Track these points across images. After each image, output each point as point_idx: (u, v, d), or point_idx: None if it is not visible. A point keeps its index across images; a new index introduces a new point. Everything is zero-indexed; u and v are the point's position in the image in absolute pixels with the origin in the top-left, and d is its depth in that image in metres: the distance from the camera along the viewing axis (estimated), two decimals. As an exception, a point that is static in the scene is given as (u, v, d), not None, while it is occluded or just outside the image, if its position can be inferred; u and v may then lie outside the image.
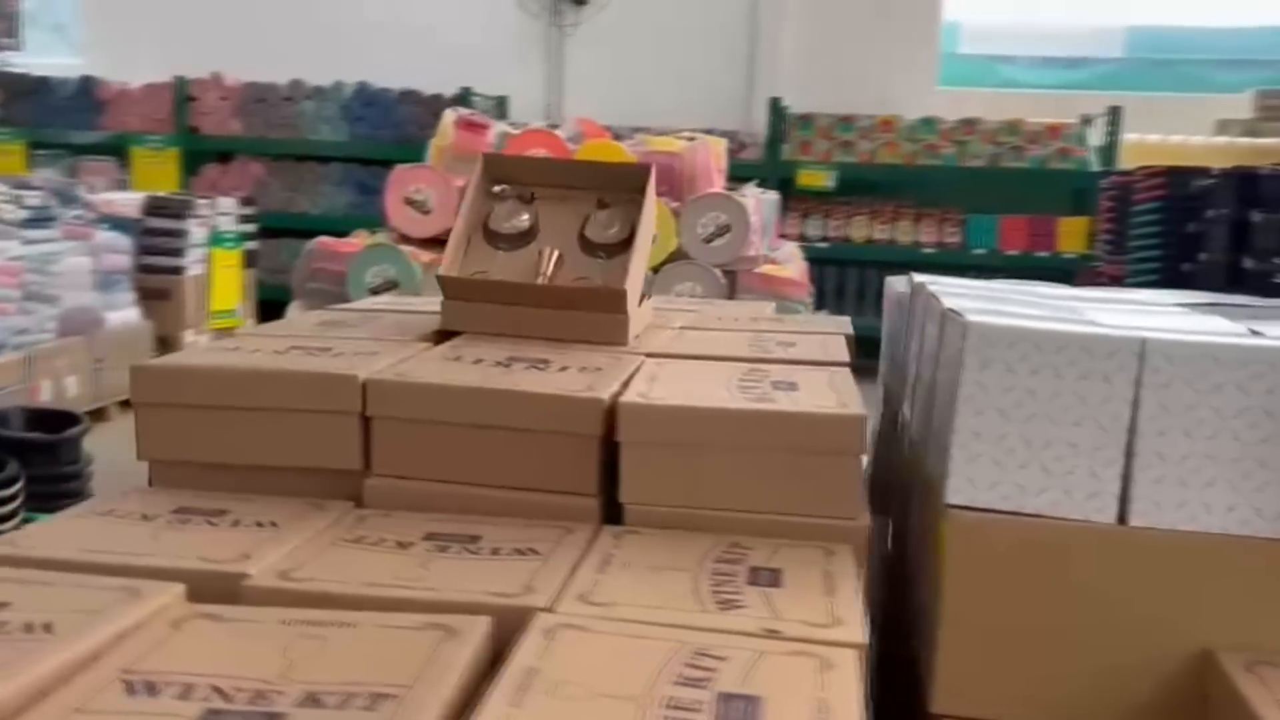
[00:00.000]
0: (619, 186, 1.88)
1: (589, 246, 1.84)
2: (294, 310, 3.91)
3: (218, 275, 6.26)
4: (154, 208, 5.98)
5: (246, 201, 6.72)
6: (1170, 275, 4.31)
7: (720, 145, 4.44)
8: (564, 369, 1.53)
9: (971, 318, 1.32)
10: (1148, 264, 4.51)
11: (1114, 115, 6.68)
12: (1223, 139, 6.79)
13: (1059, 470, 1.30)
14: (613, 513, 1.38)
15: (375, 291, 3.79)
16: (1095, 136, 6.87)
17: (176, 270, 5.96)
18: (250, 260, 6.76)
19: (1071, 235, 6.75)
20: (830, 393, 1.44)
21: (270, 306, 7.08)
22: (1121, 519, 1.29)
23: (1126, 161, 6.49)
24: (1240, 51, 7.59)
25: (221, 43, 7.83)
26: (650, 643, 1.00)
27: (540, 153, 4.08)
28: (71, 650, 0.94)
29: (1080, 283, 3.79)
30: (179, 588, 1.08)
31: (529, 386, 1.42)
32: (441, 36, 7.80)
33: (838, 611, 1.10)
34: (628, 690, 0.91)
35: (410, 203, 3.97)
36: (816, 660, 0.98)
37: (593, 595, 1.11)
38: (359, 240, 4.07)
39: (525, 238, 1.86)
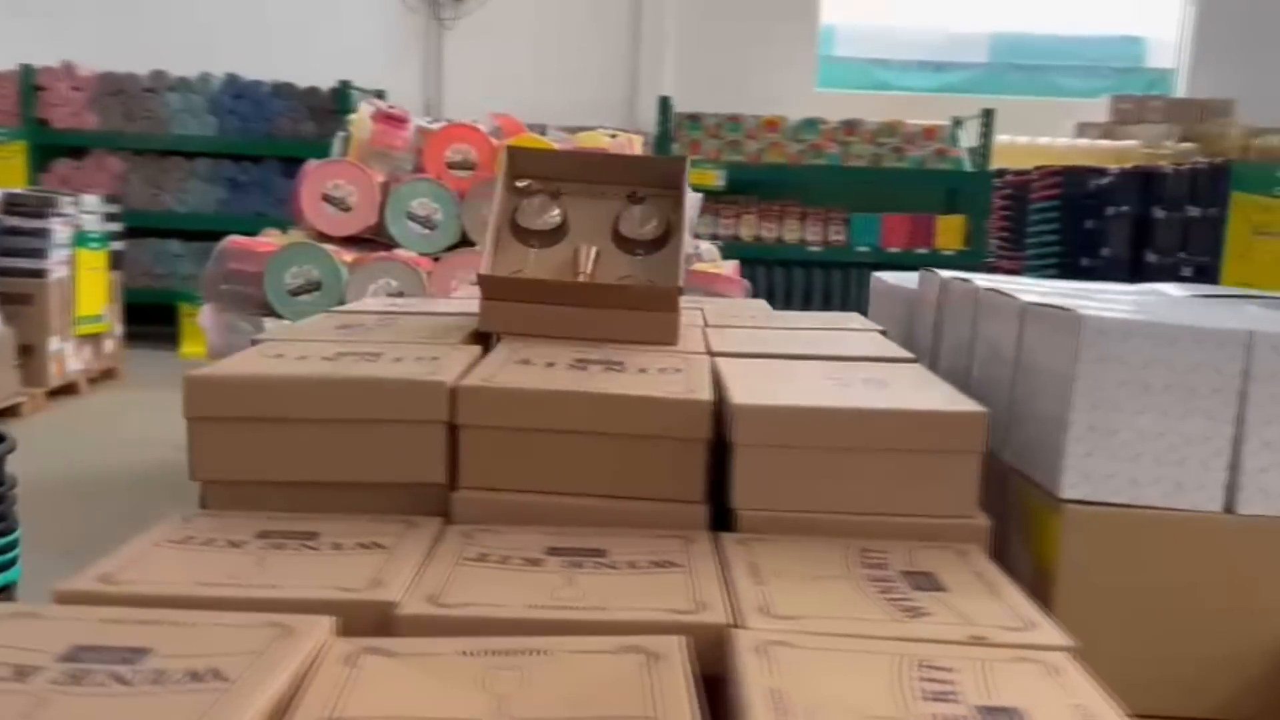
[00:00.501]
0: (649, 181, 1.82)
1: (625, 243, 1.77)
2: (207, 315, 3.67)
3: (83, 278, 5.85)
4: (11, 205, 5.53)
5: (110, 199, 6.30)
6: (1069, 269, 4.50)
7: (638, 142, 4.41)
8: (642, 370, 1.46)
9: (1084, 313, 1.32)
10: (1046, 259, 4.69)
11: (987, 118, 6.95)
12: (1084, 141, 7.16)
13: (1170, 460, 1.31)
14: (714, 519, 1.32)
15: (296, 293, 3.61)
16: (967, 138, 7.13)
17: (39, 273, 5.53)
18: (116, 262, 6.34)
19: (949, 233, 6.98)
20: (929, 389, 1.42)
21: (138, 311, 6.68)
22: (1229, 508, 1.32)
23: (997, 162, 6.78)
24: (1094, 59, 8.02)
25: (73, 30, 7.34)
26: (869, 657, 0.95)
27: (465, 147, 3.96)
28: (262, 698, 0.83)
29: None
30: (327, 620, 0.98)
31: (627, 390, 1.35)
32: (315, 28, 7.52)
33: (1020, 613, 1.08)
34: (883, 709, 0.86)
35: (329, 199, 3.79)
36: (1040, 666, 0.96)
37: (774, 609, 1.05)
38: (273, 239, 3.85)
39: (557, 234, 1.78)
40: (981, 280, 1.75)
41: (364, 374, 1.35)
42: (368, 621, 1.01)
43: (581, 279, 1.70)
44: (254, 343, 1.58)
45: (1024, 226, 4.87)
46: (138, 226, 6.93)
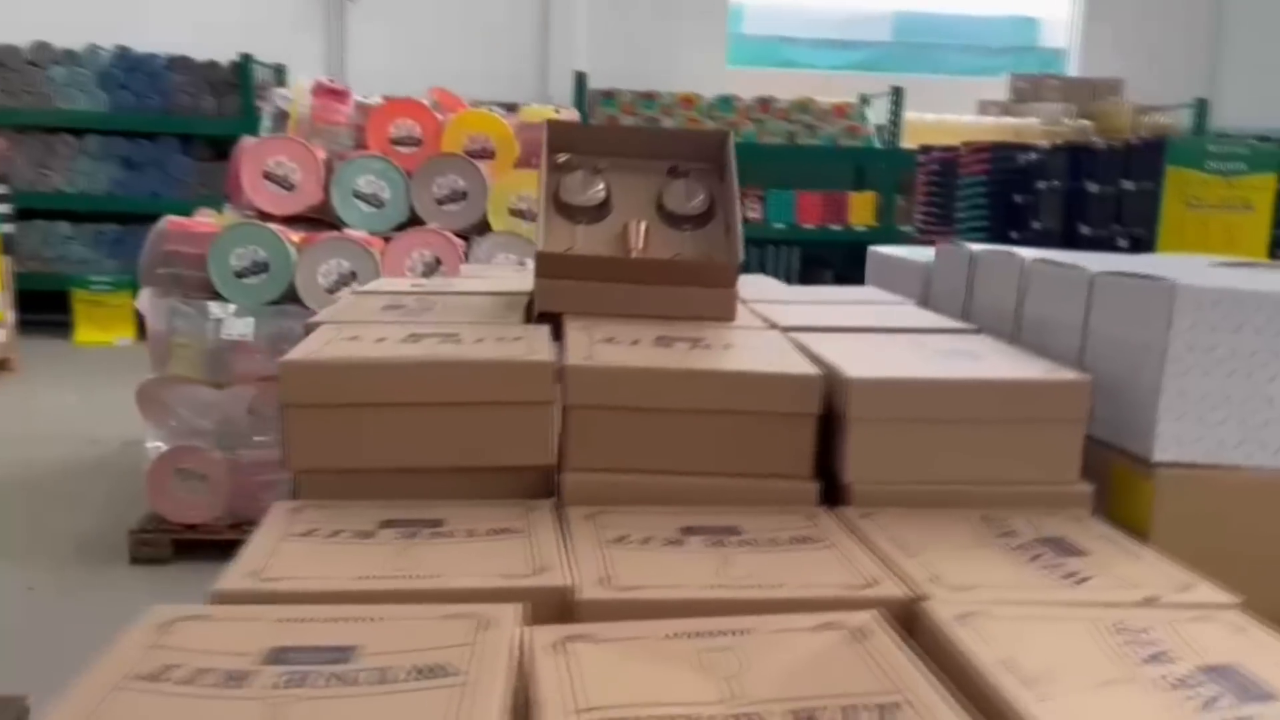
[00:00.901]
0: (689, 155, 1.80)
1: (671, 218, 1.75)
2: (145, 299, 3.49)
3: (-29, 263, 5.52)
4: (-107, 185, 5.17)
5: (-1, 179, 5.95)
6: (1000, 243, 4.63)
7: (574, 117, 4.37)
8: (728, 347, 1.45)
9: (1180, 281, 1.35)
10: (976, 234, 4.82)
11: (896, 96, 7.10)
12: (988, 119, 7.38)
13: (1255, 423, 1.36)
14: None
15: (241, 275, 3.46)
16: (875, 115, 7.28)
17: (-74, 258, 5.20)
18: (5, 246, 6.00)
19: (861, 209, 7.12)
20: (1020, 360, 1.44)
21: (32, 298, 6.31)
22: (1316, 468, 1.37)
23: (907, 140, 6.94)
24: (992, 38, 8.26)
25: (-55, -3, 6.87)
26: (1066, 623, 0.96)
27: (409, 122, 3.86)
28: (501, 691, 0.80)
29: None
30: (512, 609, 0.94)
31: (736, 366, 1.34)
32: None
33: (1172, 574, 1.10)
34: (1112, 673, 0.87)
35: (270, 178, 3.64)
36: (1224, 624, 0.98)
37: (945, 579, 1.05)
38: (211, 220, 3.68)
39: (602, 210, 1.74)
40: (1026, 253, 1.78)
41: (468, 355, 1.30)
42: (547, 608, 0.98)
43: (634, 255, 1.67)
44: (307, 329, 1.50)
45: (952, 202, 4.99)
46: (25, 208, 6.55)
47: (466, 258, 3.56)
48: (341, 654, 0.84)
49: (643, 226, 1.71)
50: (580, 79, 7.00)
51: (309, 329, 1.51)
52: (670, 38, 7.75)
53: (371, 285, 1.97)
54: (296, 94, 3.90)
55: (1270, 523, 1.36)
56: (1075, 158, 4.26)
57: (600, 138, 1.82)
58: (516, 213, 3.67)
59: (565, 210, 1.74)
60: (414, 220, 3.72)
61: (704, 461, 1.31)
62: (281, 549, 1.08)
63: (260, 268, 3.46)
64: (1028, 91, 7.62)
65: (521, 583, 1.01)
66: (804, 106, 7.17)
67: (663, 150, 1.80)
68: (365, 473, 1.27)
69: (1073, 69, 8.09)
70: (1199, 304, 1.34)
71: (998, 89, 7.77)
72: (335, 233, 3.55)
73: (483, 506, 1.21)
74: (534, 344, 1.38)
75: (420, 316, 1.59)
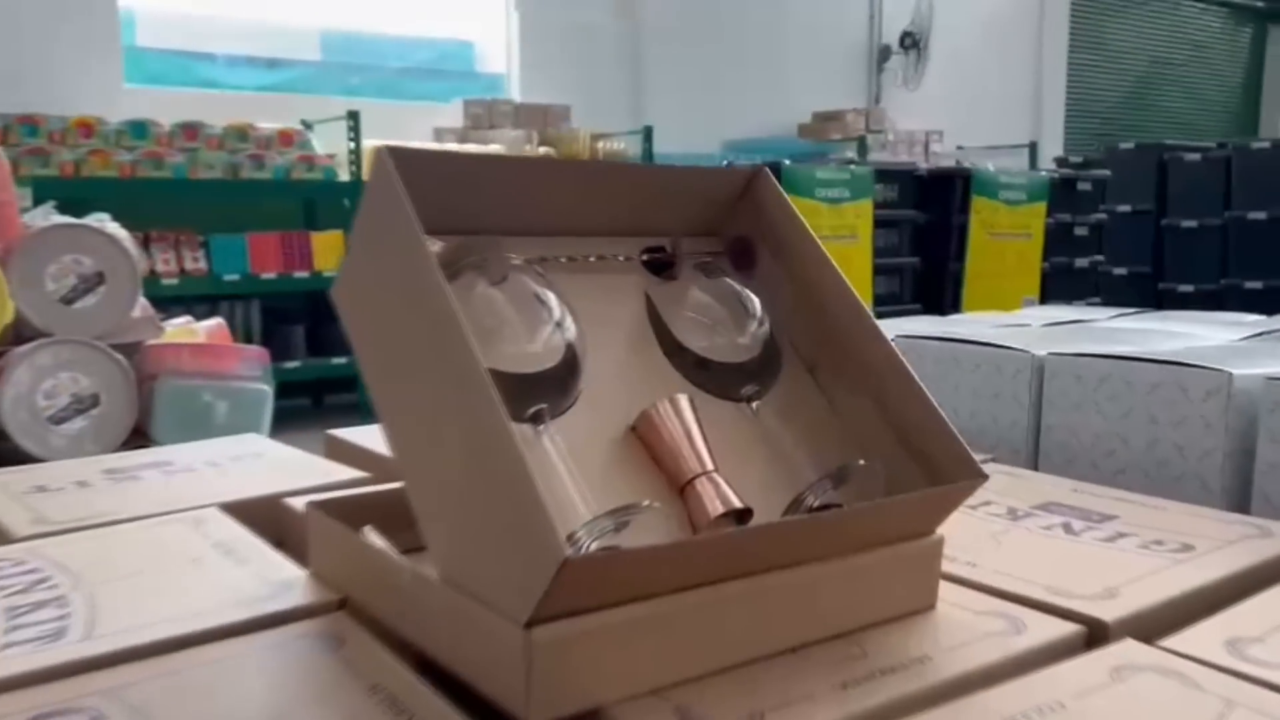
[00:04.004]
0: (688, 217, 0.88)
1: (696, 372, 0.82)
2: None
3: None
4: None
5: None
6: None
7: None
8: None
9: None
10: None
11: (354, 121, 6.20)
12: (452, 145, 6.77)
13: None
14: None
15: None
16: (324, 144, 6.31)
17: None
18: None
19: (327, 251, 6.11)
20: None
21: None
22: None
23: (369, 169, 6.09)
24: (430, 61, 7.66)
25: None
26: None
27: None
28: None
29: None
30: None
31: None
32: None
33: None
34: None
35: None
36: None
37: None
38: None
39: (566, 383, 0.76)
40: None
41: None
42: None
43: (717, 524, 0.72)
44: None
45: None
46: None
47: None
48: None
49: (688, 420, 0.76)
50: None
51: None
52: (46, 48, 6.05)
53: None
54: None
55: None
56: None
57: (500, 192, 0.81)
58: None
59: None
60: None
61: None
62: None
63: None
64: (483, 118, 7.16)
65: None
66: (242, 133, 5.97)
67: (631, 211, 0.85)
68: None
69: (514, 94, 7.79)
70: None
71: (450, 114, 7.21)
72: None
73: None
74: None
75: None
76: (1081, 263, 5.74)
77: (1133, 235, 6.09)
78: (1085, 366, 1.22)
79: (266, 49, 6.98)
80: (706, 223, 0.88)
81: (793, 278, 0.84)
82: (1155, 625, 0.77)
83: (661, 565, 0.61)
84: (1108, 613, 0.76)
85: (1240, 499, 1.10)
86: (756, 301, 0.83)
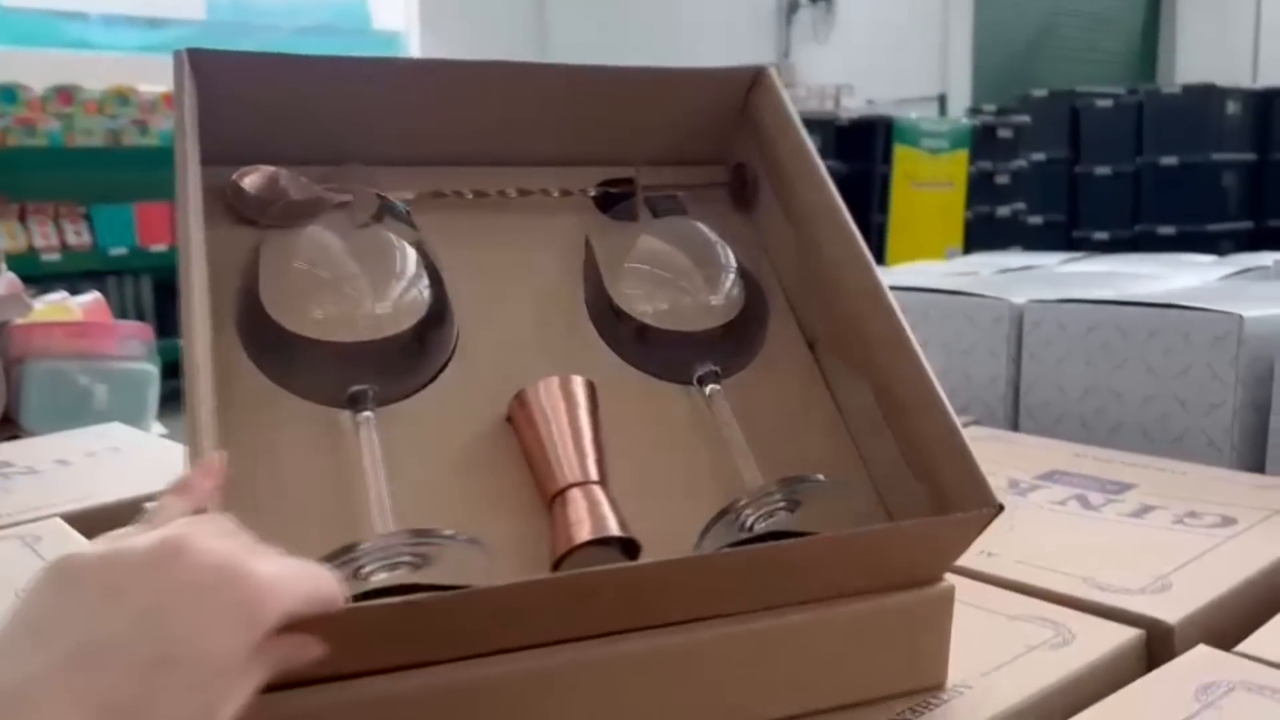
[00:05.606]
0: (662, 144, 0.71)
1: (633, 343, 0.65)
2: None
3: None
4: None
5: None
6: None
7: None
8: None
9: None
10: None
11: (244, 81, 5.84)
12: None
13: None
14: None
15: None
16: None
17: None
18: None
19: (220, 222, 5.78)
20: None
21: None
22: None
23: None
24: (322, 18, 7.30)
25: None
26: None
27: None
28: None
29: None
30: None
31: None
32: None
33: None
34: None
35: None
36: None
37: None
38: None
39: (428, 349, 0.59)
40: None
41: None
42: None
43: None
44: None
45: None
46: None
47: None
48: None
49: (577, 407, 0.58)
50: None
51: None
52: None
53: None
54: None
55: None
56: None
57: (381, 108, 0.63)
58: None
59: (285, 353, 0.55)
60: None
61: None
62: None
63: None
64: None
65: None
66: (124, 97, 5.59)
67: (583, 133, 0.68)
68: None
69: (414, 52, 7.46)
70: None
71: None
72: None
73: None
74: None
75: None
76: (1004, 211, 5.69)
77: (1048, 183, 6.07)
78: (1070, 313, 1.09)
79: (146, 7, 6.55)
80: (680, 148, 0.71)
81: (794, 220, 0.67)
82: (1221, 623, 0.63)
83: (422, 620, 0.44)
84: (1168, 612, 0.62)
85: (1253, 459, 0.98)
86: (730, 252, 0.67)
